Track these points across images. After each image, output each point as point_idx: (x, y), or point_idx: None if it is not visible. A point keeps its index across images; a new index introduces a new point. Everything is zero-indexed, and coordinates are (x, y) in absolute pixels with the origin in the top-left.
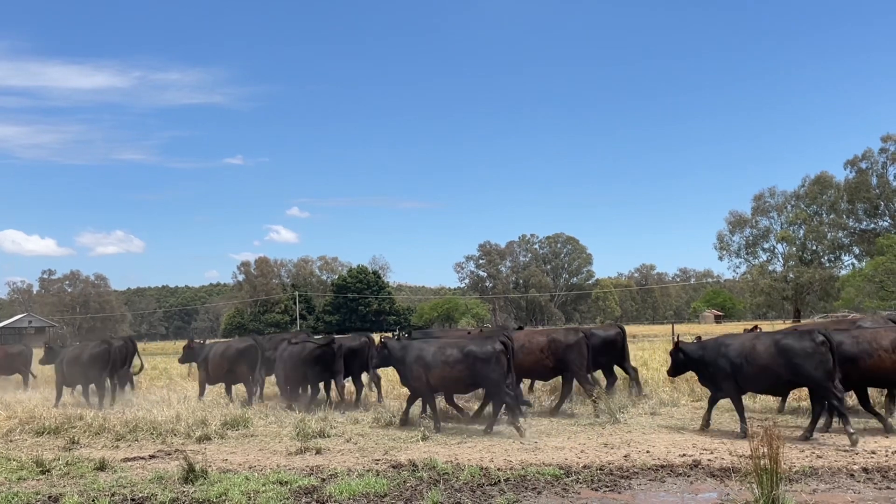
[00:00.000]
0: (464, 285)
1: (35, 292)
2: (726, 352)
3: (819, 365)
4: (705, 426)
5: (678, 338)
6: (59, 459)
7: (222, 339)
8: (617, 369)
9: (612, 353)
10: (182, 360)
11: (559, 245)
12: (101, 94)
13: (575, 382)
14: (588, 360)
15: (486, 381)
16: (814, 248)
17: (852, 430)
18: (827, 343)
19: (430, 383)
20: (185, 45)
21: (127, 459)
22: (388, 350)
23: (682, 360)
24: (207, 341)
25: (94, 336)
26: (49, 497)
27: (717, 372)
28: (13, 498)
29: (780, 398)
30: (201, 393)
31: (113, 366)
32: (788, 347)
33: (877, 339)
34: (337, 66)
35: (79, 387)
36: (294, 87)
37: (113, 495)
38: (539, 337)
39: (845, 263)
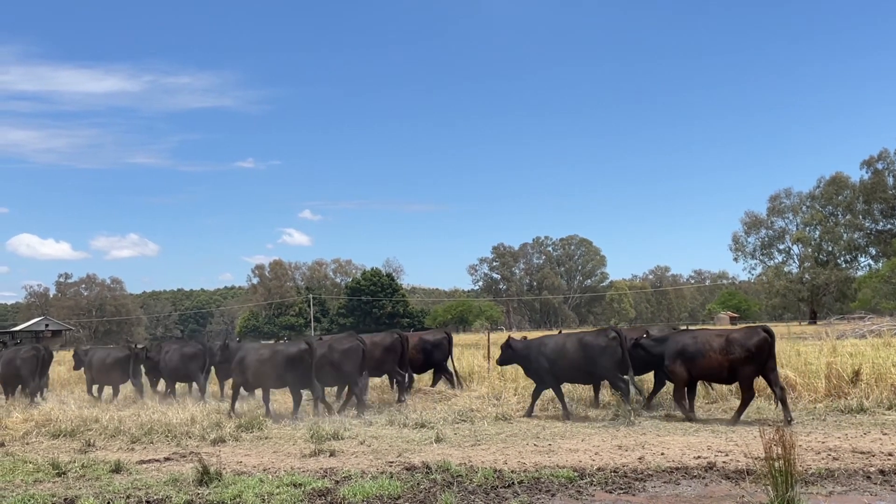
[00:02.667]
0: (477, 287)
1: (52, 296)
2: (544, 349)
3: (610, 358)
4: (529, 414)
5: (509, 336)
6: (74, 462)
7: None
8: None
9: (440, 354)
10: (75, 368)
11: (573, 247)
12: (113, 99)
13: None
14: (405, 360)
15: (289, 379)
16: (830, 249)
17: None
18: (618, 340)
19: (249, 380)
20: (196, 49)
21: (142, 462)
22: (229, 352)
23: (510, 353)
24: (90, 348)
25: (111, 340)
26: (65, 499)
27: (537, 366)
28: (29, 500)
29: (593, 388)
30: (89, 391)
31: (41, 369)
32: (588, 344)
33: (709, 342)
34: (347, 68)
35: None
36: (305, 91)
37: (128, 497)
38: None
39: (862, 264)
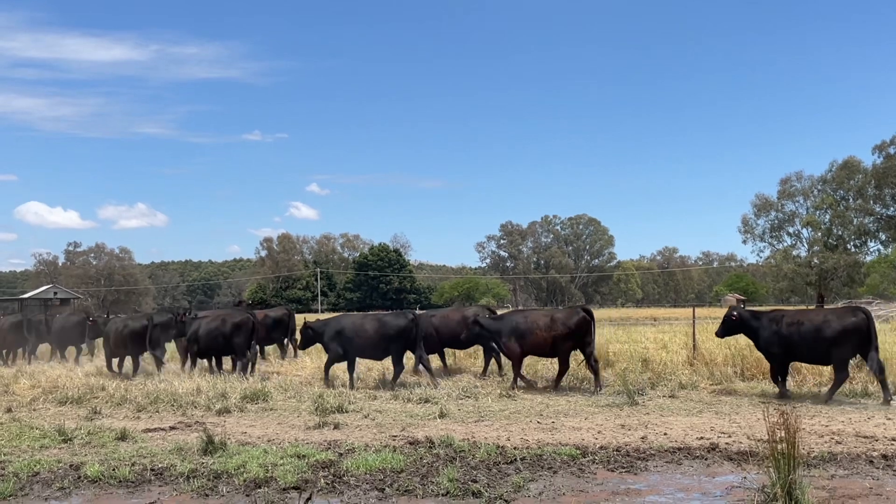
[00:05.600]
0: (485, 265)
1: (60, 264)
2: (341, 329)
3: (406, 337)
4: (351, 386)
5: (305, 320)
6: (81, 429)
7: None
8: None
9: (281, 330)
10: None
11: (581, 226)
12: (119, 67)
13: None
14: (253, 337)
15: (130, 349)
16: (839, 233)
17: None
18: (414, 321)
19: (120, 348)
20: (204, 19)
21: (147, 430)
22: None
23: (310, 335)
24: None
25: (120, 309)
26: (70, 465)
27: (332, 342)
28: (35, 465)
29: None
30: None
31: None
32: (386, 323)
33: (537, 321)
34: (356, 41)
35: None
36: (312, 63)
37: (133, 465)
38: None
39: (871, 249)
